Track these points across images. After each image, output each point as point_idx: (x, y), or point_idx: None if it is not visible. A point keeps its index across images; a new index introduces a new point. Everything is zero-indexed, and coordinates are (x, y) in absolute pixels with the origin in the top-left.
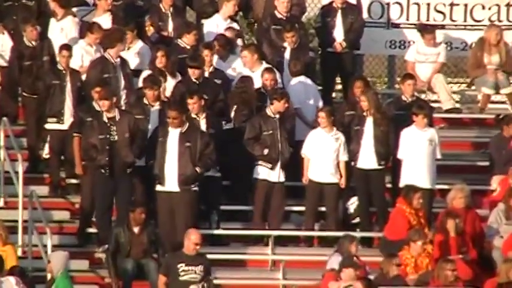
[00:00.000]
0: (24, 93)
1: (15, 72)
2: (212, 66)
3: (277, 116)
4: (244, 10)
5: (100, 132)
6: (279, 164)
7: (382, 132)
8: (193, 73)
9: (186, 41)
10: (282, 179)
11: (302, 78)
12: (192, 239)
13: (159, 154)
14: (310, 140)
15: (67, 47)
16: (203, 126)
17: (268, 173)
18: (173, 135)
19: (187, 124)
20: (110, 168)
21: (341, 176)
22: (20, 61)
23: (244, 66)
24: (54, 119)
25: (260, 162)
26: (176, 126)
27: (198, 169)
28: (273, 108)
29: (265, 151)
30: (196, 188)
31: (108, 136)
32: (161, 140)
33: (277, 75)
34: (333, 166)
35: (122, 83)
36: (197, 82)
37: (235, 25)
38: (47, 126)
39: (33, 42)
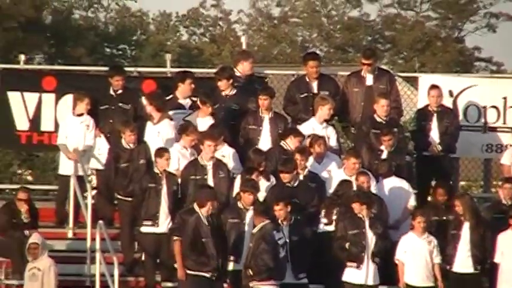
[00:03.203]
0: (119, 196)
1: (112, 175)
2: (307, 169)
3: (366, 217)
4: (340, 114)
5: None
6: (365, 264)
7: (478, 236)
8: (284, 178)
9: (290, 143)
10: (371, 281)
11: (393, 179)
12: None
13: None
14: (404, 245)
15: (164, 151)
16: (286, 232)
17: (355, 274)
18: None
19: (261, 224)
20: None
21: (436, 279)
22: (116, 163)
23: (344, 171)
24: (149, 222)
25: (348, 263)
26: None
27: (250, 271)
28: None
29: (347, 245)
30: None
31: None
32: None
33: (371, 178)
34: (428, 269)
35: (211, 183)
36: (291, 186)
37: (330, 129)
38: (142, 229)
39: (131, 145)
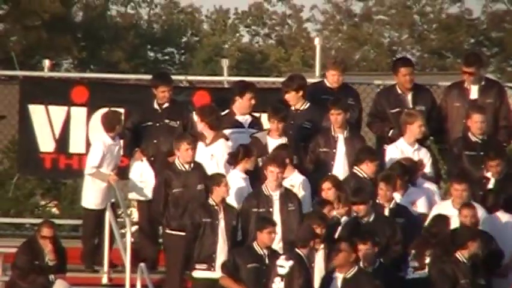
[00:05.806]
0: (169, 230)
1: (160, 204)
2: (394, 201)
3: (469, 262)
4: (436, 133)
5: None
6: None
7: None
8: (358, 210)
9: (366, 169)
10: None
11: (501, 214)
12: None
13: None
14: None
15: (221, 177)
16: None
17: None
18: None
19: (354, 270)
20: None
21: None
22: (166, 189)
23: (452, 203)
24: (204, 266)
25: None
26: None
27: None
28: (466, 253)
29: None
30: None
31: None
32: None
33: (478, 211)
34: None
35: (278, 218)
36: (366, 221)
37: (424, 151)
38: (195, 274)
39: (186, 166)
